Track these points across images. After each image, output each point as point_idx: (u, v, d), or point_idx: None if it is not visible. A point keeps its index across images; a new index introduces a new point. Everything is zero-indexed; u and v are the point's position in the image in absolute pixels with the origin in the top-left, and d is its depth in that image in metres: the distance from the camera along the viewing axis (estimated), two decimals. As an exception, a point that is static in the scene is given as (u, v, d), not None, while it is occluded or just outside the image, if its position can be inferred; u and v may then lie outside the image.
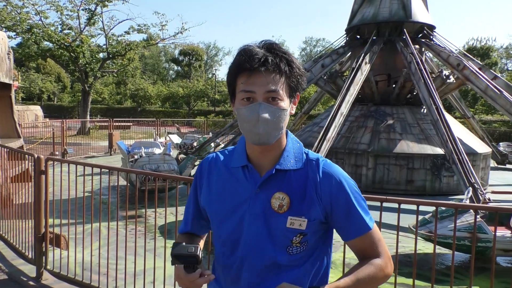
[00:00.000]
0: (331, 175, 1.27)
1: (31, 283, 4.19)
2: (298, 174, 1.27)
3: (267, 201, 1.24)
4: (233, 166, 1.31)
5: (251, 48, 1.19)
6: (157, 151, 10.35)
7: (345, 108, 9.94)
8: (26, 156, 5.41)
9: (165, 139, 16.52)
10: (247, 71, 1.17)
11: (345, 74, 13.98)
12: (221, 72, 70.88)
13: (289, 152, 1.29)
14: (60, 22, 22.27)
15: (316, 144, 9.03)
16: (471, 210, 5.01)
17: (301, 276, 1.29)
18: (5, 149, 5.99)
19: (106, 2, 21.76)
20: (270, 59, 1.17)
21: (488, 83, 10.43)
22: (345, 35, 13.26)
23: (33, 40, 21.20)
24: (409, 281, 4.62)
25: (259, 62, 1.16)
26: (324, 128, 9.41)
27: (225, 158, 1.36)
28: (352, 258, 5.56)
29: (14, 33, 20.79)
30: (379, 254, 1.28)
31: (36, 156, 4.22)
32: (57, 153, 14.07)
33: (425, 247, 5.87)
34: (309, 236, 1.26)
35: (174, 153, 13.10)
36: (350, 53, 13.04)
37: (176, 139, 15.53)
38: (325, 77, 12.69)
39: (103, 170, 3.88)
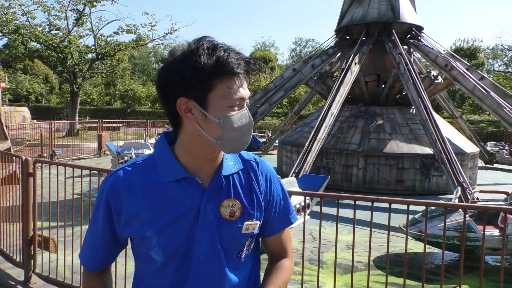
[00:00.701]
0: (268, 173, 1.28)
1: (19, 286, 4.12)
2: (241, 176, 1.21)
3: (217, 211, 1.15)
4: (167, 180, 1.12)
5: (230, 47, 1.07)
6: (147, 152, 10.28)
7: (335, 108, 9.99)
8: (14, 158, 5.33)
9: (155, 140, 16.44)
10: (234, 74, 1.04)
11: (335, 74, 14.05)
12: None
13: (226, 155, 1.20)
14: (48, 23, 22.01)
15: (306, 144, 9.06)
16: (460, 210, 5.06)
17: (248, 274, 1.27)
18: (-8, 151, 5.89)
19: (95, 3, 21.54)
20: (252, 61, 1.07)
21: (476, 84, 10.56)
22: (335, 36, 13.33)
23: (20, 41, 20.91)
24: (400, 280, 4.66)
25: (247, 65, 1.06)
26: (315, 128, 9.44)
27: (145, 173, 1.13)
28: (343, 258, 5.59)
29: (1, 34, 20.50)
30: (289, 250, 1.37)
31: (23, 158, 4.16)
32: (45, 155, 13.89)
33: (415, 247, 5.92)
34: (255, 236, 1.27)
35: (164, 154, 13.02)
36: (339, 53, 13.11)
37: (166, 140, 15.45)
38: (315, 78, 12.73)
39: (92, 171, 3.84)
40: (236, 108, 1.06)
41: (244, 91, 1.08)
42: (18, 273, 4.35)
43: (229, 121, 1.05)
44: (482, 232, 4.91)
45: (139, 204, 1.11)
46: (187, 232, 1.13)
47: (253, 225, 1.20)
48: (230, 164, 1.20)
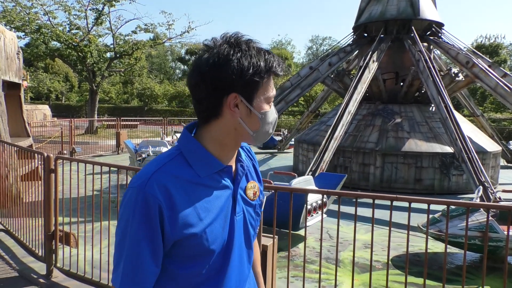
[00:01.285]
0: (252, 152, 1.40)
1: (41, 280, 4.22)
2: (247, 159, 1.32)
3: (244, 194, 1.23)
4: (206, 174, 1.13)
5: (268, 49, 1.15)
6: (164, 149, 10.38)
7: (352, 107, 9.90)
8: (36, 155, 5.45)
9: (172, 138, 16.56)
10: (273, 75, 1.14)
11: (352, 72, 13.92)
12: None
13: None
14: (68, 22, 22.42)
15: (323, 142, 9.01)
16: (482, 209, 4.96)
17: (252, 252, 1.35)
18: (15, 148, 6.05)
19: (114, 2, 21.82)
20: (282, 64, 1.16)
21: (498, 81, 10.32)
22: (352, 33, 13.20)
23: (41, 40, 21.36)
24: (418, 280, 4.60)
25: (284, 67, 1.16)
26: (332, 126, 9.38)
27: (181, 171, 1.11)
28: (361, 257, 5.55)
29: (23, 34, 20.94)
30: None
31: (45, 155, 4.25)
32: (65, 152, 14.17)
33: (434, 246, 5.83)
34: None
35: (181, 152, 13.13)
36: (357, 51, 12.98)
37: (183, 138, 15.57)
38: (332, 76, 12.65)
39: (111, 168, 3.90)
40: (271, 104, 1.17)
41: (275, 89, 1.19)
42: (40, 267, 4.45)
43: (267, 115, 1.15)
44: (504, 232, 4.80)
45: (186, 204, 1.09)
46: (230, 220, 1.18)
47: (263, 201, 1.34)
48: (241, 151, 1.28)
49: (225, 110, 1.11)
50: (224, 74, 1.07)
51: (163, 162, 1.11)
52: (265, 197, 1.45)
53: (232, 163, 1.22)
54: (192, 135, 1.18)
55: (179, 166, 1.12)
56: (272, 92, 1.15)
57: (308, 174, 7.77)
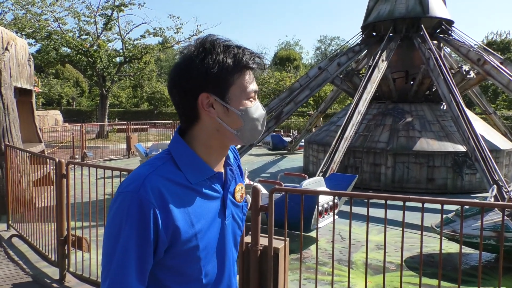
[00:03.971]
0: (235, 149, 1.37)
1: (54, 285, 4.26)
2: (234, 162, 1.29)
3: (233, 197, 1.22)
4: (197, 181, 1.11)
5: (241, 45, 1.14)
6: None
7: (362, 106, 9.82)
8: (48, 160, 5.51)
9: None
10: (248, 69, 1.12)
11: (361, 72, 13.83)
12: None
13: None
14: (78, 28, 22.67)
15: (333, 143, 8.95)
16: (497, 209, 4.87)
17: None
18: (27, 154, 6.12)
19: (122, 7, 22.04)
20: (261, 56, 1.15)
21: (511, 78, 10.15)
22: (361, 33, 13.11)
23: (52, 47, 21.62)
24: (432, 281, 4.53)
25: (259, 60, 1.14)
26: (342, 127, 9.32)
27: (172, 177, 1.08)
28: (373, 258, 5.49)
29: (34, 40, 21.24)
30: None
31: (57, 160, 4.29)
32: (77, 156, 14.31)
33: (448, 247, 5.74)
34: None
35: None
36: (366, 50, 12.88)
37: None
38: (341, 76, 12.58)
39: (122, 172, 3.92)
40: (252, 100, 1.13)
41: (255, 84, 1.16)
42: (53, 272, 4.49)
43: (249, 112, 1.12)
44: (520, 232, 4.71)
45: (179, 209, 1.05)
46: (221, 226, 1.17)
47: (248, 201, 1.37)
48: (229, 153, 1.26)
49: (201, 112, 1.10)
50: (190, 75, 1.08)
51: (156, 164, 1.09)
52: (248, 196, 1.44)
53: (221, 167, 1.20)
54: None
55: (171, 169, 1.09)
56: (252, 87, 1.12)
57: (318, 175, 7.73)
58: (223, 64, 1.07)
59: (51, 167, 6.15)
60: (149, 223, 1.00)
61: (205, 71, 1.07)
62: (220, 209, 1.17)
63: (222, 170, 1.20)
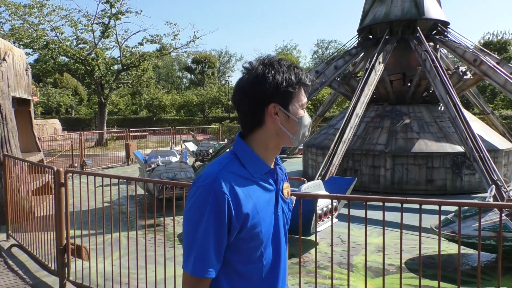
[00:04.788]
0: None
1: (54, 294, 4.24)
2: (279, 161, 1.50)
3: (281, 193, 1.41)
4: (258, 175, 1.34)
5: (296, 65, 1.38)
6: (174, 159, 10.42)
7: (360, 109, 9.85)
8: (46, 169, 5.51)
9: (181, 147, 16.64)
10: (305, 86, 1.35)
11: (358, 75, 13.87)
12: (234, 78, 70.89)
13: None
14: (75, 37, 22.74)
15: (332, 146, 8.96)
16: (496, 209, 4.88)
17: None
18: (26, 163, 6.12)
19: (119, 15, 22.11)
20: (309, 75, 1.39)
21: (507, 78, 10.19)
22: (357, 36, 13.17)
23: (49, 56, 21.67)
24: (433, 283, 4.52)
25: (312, 79, 1.37)
26: (340, 130, 9.33)
27: (239, 171, 1.30)
28: (373, 261, 5.48)
29: (32, 50, 21.30)
30: None
31: (55, 169, 4.29)
32: (76, 164, 14.30)
33: (448, 248, 5.74)
34: None
35: (190, 160, 13.16)
36: (363, 53, 12.94)
37: (192, 146, 15.63)
38: (338, 79, 12.61)
39: (121, 180, 3.92)
40: (305, 110, 1.37)
41: (306, 98, 1.40)
42: (53, 281, 4.47)
43: (303, 119, 1.36)
44: (519, 231, 4.71)
45: (247, 198, 1.27)
46: (274, 216, 1.37)
47: (293, 200, 1.53)
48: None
49: (267, 119, 1.32)
50: (263, 88, 1.30)
51: (224, 162, 1.31)
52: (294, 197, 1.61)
53: (272, 165, 1.41)
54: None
55: (237, 166, 1.32)
56: (304, 99, 1.37)
57: (317, 179, 7.73)
58: (289, 80, 1.30)
59: (50, 176, 6.15)
60: (224, 211, 1.22)
61: (276, 85, 1.29)
62: (274, 201, 1.37)
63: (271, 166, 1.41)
